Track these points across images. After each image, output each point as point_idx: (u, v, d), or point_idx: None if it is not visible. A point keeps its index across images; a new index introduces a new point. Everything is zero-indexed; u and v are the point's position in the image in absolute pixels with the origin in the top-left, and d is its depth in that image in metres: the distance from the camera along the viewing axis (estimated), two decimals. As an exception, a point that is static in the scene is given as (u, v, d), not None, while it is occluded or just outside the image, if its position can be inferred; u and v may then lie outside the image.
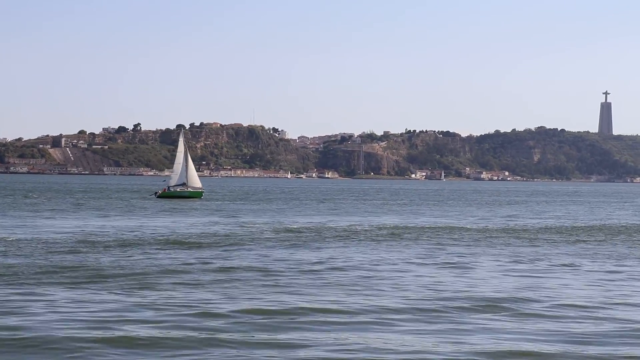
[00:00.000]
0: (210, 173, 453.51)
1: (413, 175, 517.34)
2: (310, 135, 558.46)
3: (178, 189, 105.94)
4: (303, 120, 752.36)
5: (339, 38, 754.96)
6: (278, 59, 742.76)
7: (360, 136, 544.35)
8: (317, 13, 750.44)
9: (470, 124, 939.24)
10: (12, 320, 20.33)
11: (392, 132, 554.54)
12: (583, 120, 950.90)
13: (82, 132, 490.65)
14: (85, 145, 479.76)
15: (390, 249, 41.11)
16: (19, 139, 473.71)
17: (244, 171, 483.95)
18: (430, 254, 38.40)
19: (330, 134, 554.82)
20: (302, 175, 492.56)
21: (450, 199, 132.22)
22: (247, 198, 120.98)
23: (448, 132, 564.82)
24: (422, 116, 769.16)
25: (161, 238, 45.43)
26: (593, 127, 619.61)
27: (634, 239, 50.99)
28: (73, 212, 72.44)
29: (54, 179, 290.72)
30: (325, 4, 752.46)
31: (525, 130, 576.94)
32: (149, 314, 21.44)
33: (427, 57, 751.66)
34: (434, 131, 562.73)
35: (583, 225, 65.24)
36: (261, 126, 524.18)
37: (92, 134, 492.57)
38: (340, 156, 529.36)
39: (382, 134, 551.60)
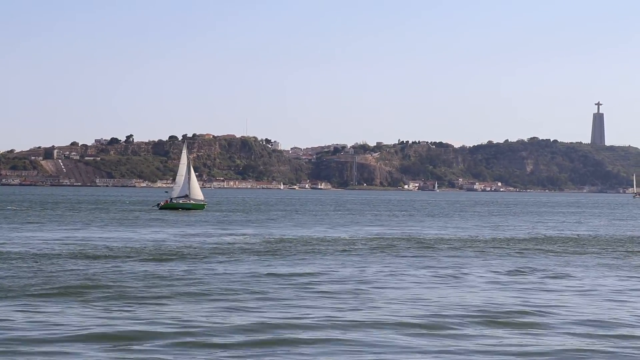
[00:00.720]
0: (203, 184, 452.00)
1: (406, 186, 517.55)
2: (303, 146, 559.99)
3: (180, 201, 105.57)
4: (296, 132, 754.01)
5: (331, 49, 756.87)
6: (271, 71, 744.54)
7: (353, 147, 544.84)
8: (310, 25, 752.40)
9: (463, 135, 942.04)
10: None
11: (385, 143, 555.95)
12: (575, 131, 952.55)
13: (74, 143, 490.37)
14: (78, 157, 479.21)
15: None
16: (11, 151, 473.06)
17: (236, 182, 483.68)
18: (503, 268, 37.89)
19: (323, 145, 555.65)
20: (295, 187, 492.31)
21: (462, 211, 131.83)
22: (263, 210, 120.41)
23: (441, 142, 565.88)
24: (415, 127, 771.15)
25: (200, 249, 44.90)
26: (585, 138, 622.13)
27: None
28: (85, 225, 71.86)
29: (46, 191, 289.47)
30: (318, 16, 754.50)
31: (518, 141, 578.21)
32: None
33: (419, 68, 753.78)
34: (427, 142, 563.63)
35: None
36: (254, 137, 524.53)
37: (85, 145, 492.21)
38: (333, 167, 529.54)
39: (375, 144, 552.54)
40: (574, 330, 21.87)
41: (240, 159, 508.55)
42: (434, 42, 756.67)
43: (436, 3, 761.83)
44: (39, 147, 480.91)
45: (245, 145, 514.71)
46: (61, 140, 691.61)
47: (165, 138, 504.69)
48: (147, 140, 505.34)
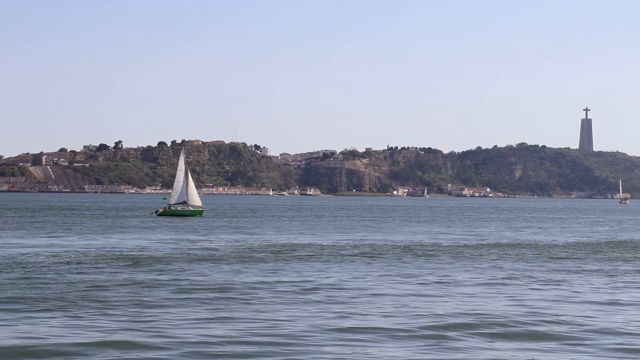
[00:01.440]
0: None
1: (395, 192, 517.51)
2: (292, 152, 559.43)
3: (179, 207, 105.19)
4: (285, 138, 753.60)
5: (320, 56, 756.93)
6: (260, 76, 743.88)
7: (342, 153, 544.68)
8: (298, 31, 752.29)
9: (452, 141, 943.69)
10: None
11: (374, 148, 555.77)
12: (564, 137, 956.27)
13: (63, 150, 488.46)
14: (66, 163, 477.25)
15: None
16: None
17: (225, 188, 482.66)
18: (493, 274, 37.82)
19: (312, 151, 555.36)
20: (284, 192, 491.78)
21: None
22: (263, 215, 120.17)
23: (430, 148, 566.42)
24: (404, 133, 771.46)
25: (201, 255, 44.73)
26: (574, 144, 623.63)
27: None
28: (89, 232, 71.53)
29: (35, 197, 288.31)
30: (306, 22, 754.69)
31: (506, 147, 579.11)
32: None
33: (408, 73, 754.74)
34: (416, 148, 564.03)
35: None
36: (243, 143, 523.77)
37: (73, 151, 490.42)
38: (322, 173, 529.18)
39: (364, 150, 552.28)
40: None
41: (229, 165, 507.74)
42: (422, 47, 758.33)
43: (424, 7, 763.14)
44: (27, 154, 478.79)
45: (234, 151, 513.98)
46: (49, 146, 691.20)
47: (154, 144, 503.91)
48: (136, 147, 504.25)
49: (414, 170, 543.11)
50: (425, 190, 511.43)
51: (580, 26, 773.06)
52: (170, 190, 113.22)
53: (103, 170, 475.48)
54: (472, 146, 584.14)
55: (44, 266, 38.09)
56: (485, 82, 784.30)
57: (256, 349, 19.35)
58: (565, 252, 52.34)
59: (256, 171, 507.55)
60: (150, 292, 29.26)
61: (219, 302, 26.94)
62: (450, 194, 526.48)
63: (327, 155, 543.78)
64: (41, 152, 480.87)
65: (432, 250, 51.67)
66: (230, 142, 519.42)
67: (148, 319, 23.42)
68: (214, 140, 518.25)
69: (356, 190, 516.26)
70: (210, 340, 20.18)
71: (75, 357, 18.54)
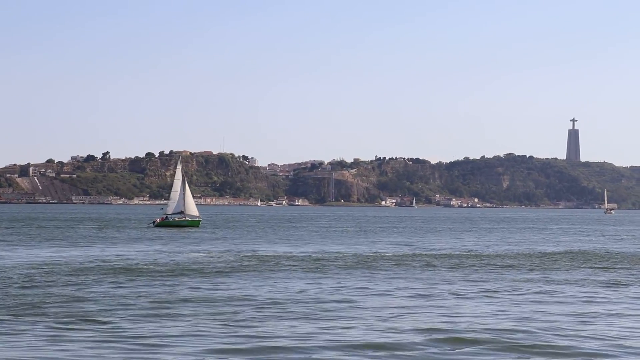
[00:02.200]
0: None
1: (383, 202, 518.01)
2: (280, 163, 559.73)
3: (176, 218, 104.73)
4: (273, 148, 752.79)
5: (307, 66, 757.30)
6: (247, 87, 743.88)
7: (330, 163, 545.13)
8: (286, 42, 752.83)
9: (440, 151, 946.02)
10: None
11: (362, 159, 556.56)
12: (551, 147, 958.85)
13: (50, 161, 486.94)
14: (54, 174, 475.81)
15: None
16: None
17: (214, 199, 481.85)
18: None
19: (300, 162, 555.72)
20: (272, 203, 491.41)
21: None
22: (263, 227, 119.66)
23: (418, 159, 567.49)
24: (392, 143, 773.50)
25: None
26: (561, 154, 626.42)
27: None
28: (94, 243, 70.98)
29: (23, 209, 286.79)
30: (294, 34, 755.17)
31: (494, 157, 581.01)
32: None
33: (395, 84, 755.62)
34: (404, 158, 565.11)
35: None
36: (231, 154, 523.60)
37: (61, 162, 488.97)
38: (310, 184, 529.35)
39: (352, 161, 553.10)
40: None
41: (217, 176, 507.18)
42: (409, 58, 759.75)
43: (412, 19, 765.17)
44: (14, 165, 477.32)
45: (223, 161, 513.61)
46: (37, 157, 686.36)
47: (142, 155, 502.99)
48: (123, 157, 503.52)
49: (402, 181, 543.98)
50: (414, 201, 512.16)
51: (567, 36, 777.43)
52: (165, 201, 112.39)
53: (90, 181, 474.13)
54: (460, 157, 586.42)
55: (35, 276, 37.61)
56: (473, 92, 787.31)
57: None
58: (502, 262, 52.09)
59: (244, 182, 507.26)
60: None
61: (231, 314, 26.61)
62: (438, 204, 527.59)
63: (315, 165, 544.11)
64: (28, 163, 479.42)
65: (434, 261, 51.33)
66: (218, 153, 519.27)
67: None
68: (202, 150, 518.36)
69: (344, 201, 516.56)
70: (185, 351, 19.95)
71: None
